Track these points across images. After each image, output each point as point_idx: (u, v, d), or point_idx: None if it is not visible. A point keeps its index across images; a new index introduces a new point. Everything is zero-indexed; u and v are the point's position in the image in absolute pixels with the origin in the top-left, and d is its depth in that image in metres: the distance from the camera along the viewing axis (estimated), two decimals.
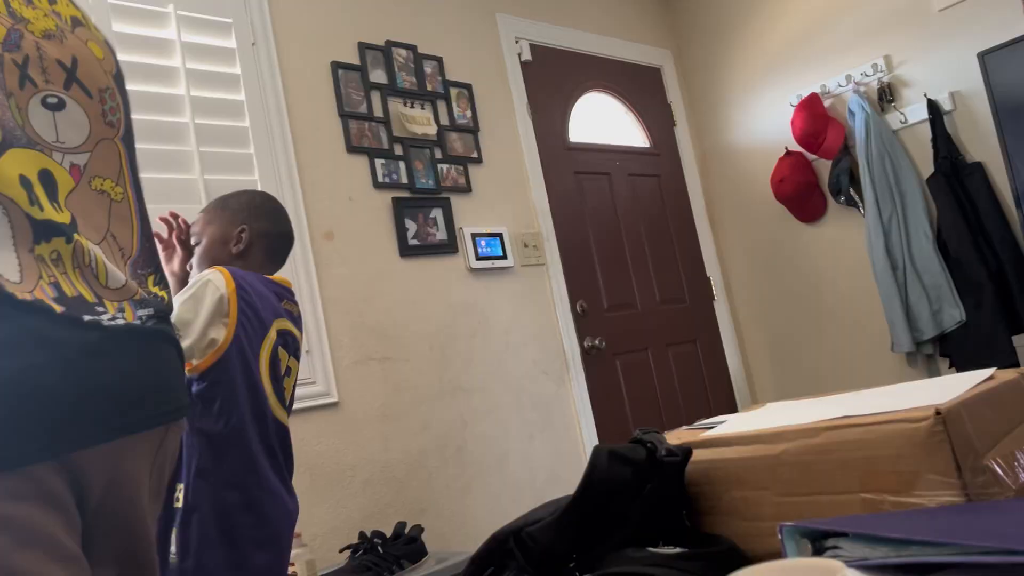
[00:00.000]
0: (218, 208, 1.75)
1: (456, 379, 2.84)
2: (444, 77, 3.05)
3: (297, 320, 1.73)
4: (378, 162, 2.78)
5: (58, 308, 0.87)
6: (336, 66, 2.74)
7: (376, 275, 2.71)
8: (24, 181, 0.90)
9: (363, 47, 2.83)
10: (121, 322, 0.93)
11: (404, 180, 2.83)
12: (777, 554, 0.97)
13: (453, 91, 3.07)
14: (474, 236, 2.99)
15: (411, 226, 2.82)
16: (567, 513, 0.99)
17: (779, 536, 0.77)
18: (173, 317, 1.16)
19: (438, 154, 2.96)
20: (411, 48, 2.97)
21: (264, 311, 1.58)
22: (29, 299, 0.86)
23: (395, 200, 2.79)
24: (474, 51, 3.21)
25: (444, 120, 3.01)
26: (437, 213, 2.90)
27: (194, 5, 2.41)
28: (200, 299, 1.51)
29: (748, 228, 3.96)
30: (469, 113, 3.11)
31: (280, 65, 2.60)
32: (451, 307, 2.89)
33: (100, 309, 0.92)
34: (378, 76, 2.85)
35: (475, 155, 3.09)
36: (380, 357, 2.66)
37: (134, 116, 1.14)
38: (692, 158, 4.06)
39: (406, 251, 2.79)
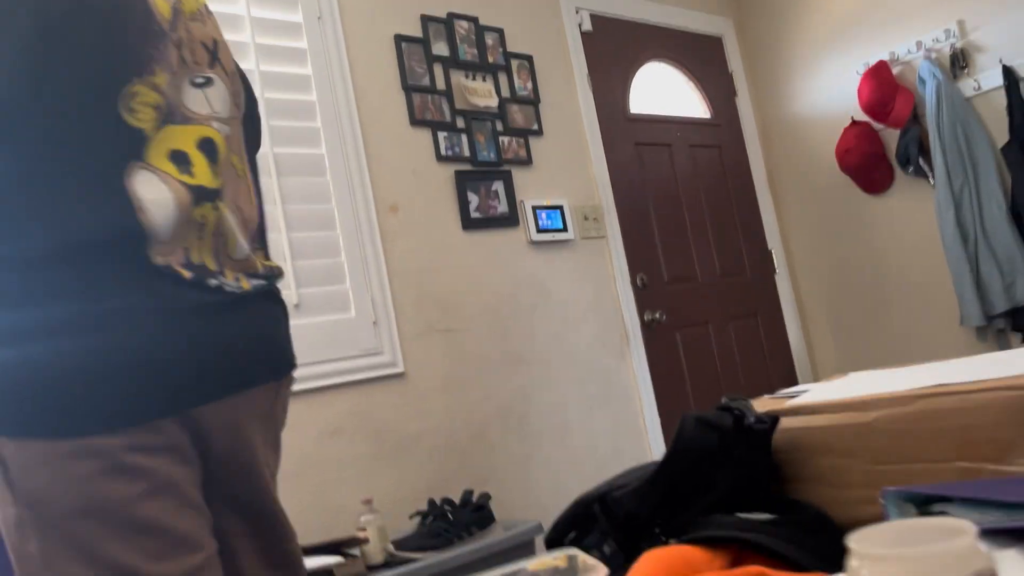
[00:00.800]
0: None
1: (517, 351, 2.86)
2: (505, 49, 3.04)
3: None
4: (441, 135, 2.79)
5: (186, 273, 0.92)
6: (399, 39, 2.75)
7: (439, 248, 2.73)
8: (175, 156, 0.94)
9: (426, 19, 2.83)
10: (238, 289, 0.99)
11: (466, 153, 2.84)
12: (866, 521, 0.97)
13: (514, 63, 3.06)
14: (535, 209, 2.99)
15: (473, 199, 2.84)
16: (654, 478, 1.00)
17: (881, 501, 0.76)
18: None
19: (499, 126, 2.96)
20: (473, 20, 2.96)
21: None
22: (161, 264, 0.91)
23: (457, 173, 2.80)
24: (535, 22, 3.19)
25: (505, 92, 3.01)
26: (499, 186, 2.91)
27: None
28: None
29: (811, 200, 3.89)
30: (530, 85, 3.10)
31: (345, 39, 2.62)
32: (512, 279, 2.90)
33: (218, 280, 0.97)
34: (440, 48, 2.86)
35: (536, 127, 3.08)
36: (443, 328, 2.69)
37: None
38: (754, 128, 3.99)
39: (468, 224, 2.81)
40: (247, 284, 1.01)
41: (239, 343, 0.97)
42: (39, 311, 0.85)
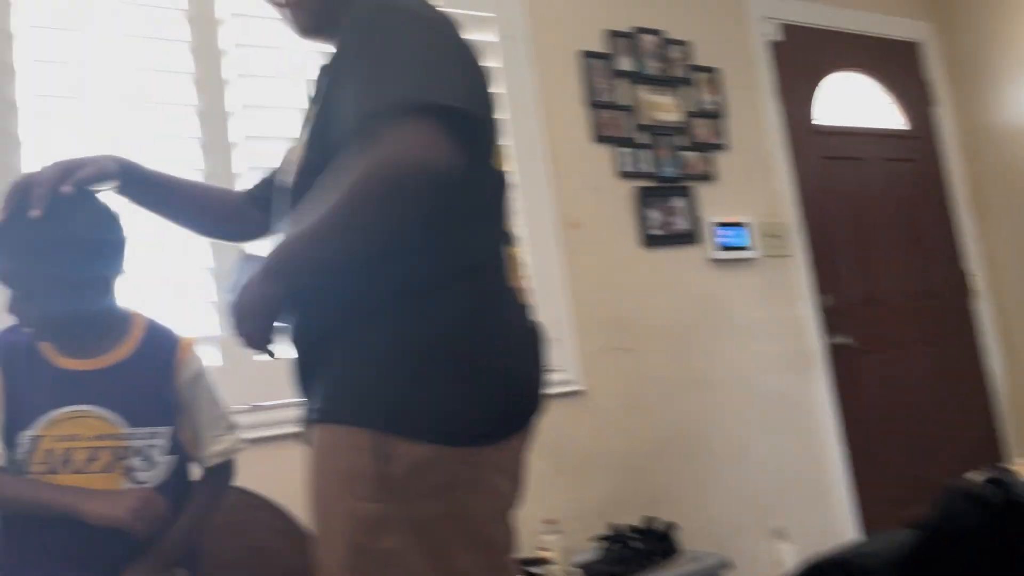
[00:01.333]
0: None
1: (696, 371, 2.79)
2: (691, 62, 2.97)
3: None
4: (623, 151, 2.76)
5: (525, 298, 1.04)
6: (585, 55, 2.74)
7: (620, 265, 2.71)
8: None
9: (612, 35, 2.81)
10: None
11: (648, 169, 2.80)
12: None
13: (699, 76, 2.98)
14: (717, 226, 2.90)
15: (654, 216, 2.79)
16: (911, 553, 0.93)
17: None
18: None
19: (682, 141, 2.89)
20: (658, 33, 2.91)
21: None
22: (516, 287, 1.02)
23: (638, 189, 2.76)
24: (721, 34, 3.10)
25: (690, 106, 2.94)
26: (680, 202, 2.85)
27: (462, 2, 2.47)
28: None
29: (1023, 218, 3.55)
30: (715, 98, 3.01)
31: (535, 57, 2.63)
32: (693, 298, 2.83)
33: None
34: (625, 63, 2.82)
35: (720, 141, 2.99)
36: (623, 347, 2.66)
37: None
38: (955, 140, 3.70)
39: (649, 241, 2.76)
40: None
41: (545, 367, 1.06)
42: (440, 328, 0.94)
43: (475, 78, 1.03)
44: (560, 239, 2.58)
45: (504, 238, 1.05)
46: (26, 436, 1.29)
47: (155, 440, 1.33)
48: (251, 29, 2.19)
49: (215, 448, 1.41)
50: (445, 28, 1.03)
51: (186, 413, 1.39)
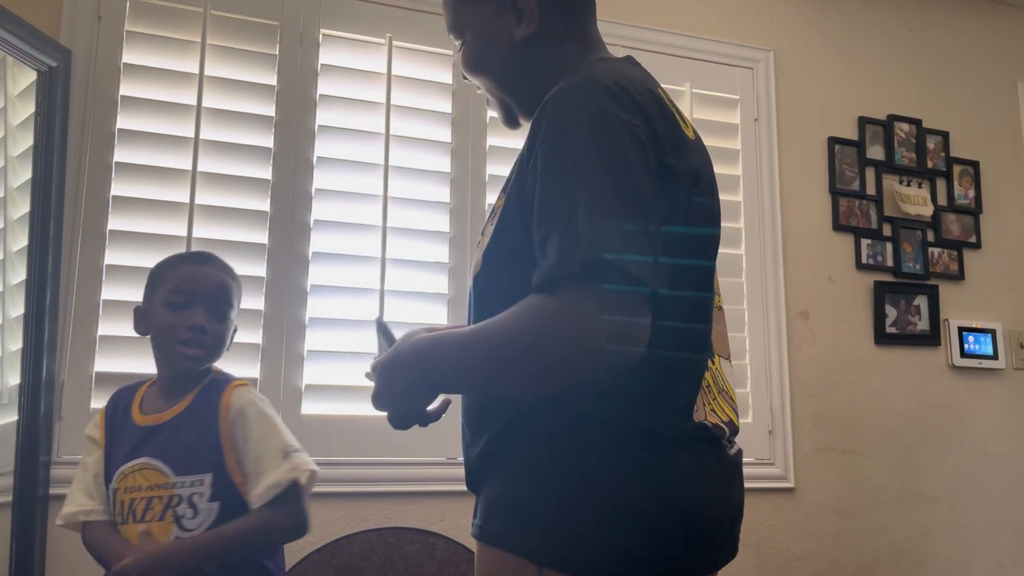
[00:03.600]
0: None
1: (921, 485, 2.58)
2: (948, 153, 2.80)
3: None
4: (864, 242, 2.64)
5: (722, 435, 0.94)
6: (833, 141, 2.65)
7: (847, 361, 2.57)
8: None
9: (863, 121, 2.71)
10: (736, 449, 0.98)
11: (889, 263, 2.66)
12: None
13: (956, 168, 2.80)
14: (961, 330, 2.69)
15: (891, 312, 2.64)
16: None
17: None
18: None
19: (930, 237, 2.72)
20: (915, 123, 2.77)
21: None
22: (709, 424, 0.92)
23: (876, 284, 2.62)
24: (986, 125, 2.89)
25: (942, 200, 2.76)
26: (921, 301, 2.67)
27: (708, 83, 2.50)
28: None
29: None
30: (972, 193, 2.81)
31: (779, 140, 2.59)
32: (925, 405, 2.64)
33: (731, 438, 0.97)
34: (875, 152, 2.71)
35: (973, 240, 2.78)
36: (841, 448, 2.53)
37: None
38: None
39: (882, 339, 2.61)
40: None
41: (736, 510, 0.95)
42: (612, 462, 0.86)
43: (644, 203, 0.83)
44: (785, 328, 2.50)
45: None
46: (110, 489, 1.41)
47: (199, 488, 1.36)
48: None
49: (265, 482, 1.37)
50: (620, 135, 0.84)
51: (234, 454, 1.39)
